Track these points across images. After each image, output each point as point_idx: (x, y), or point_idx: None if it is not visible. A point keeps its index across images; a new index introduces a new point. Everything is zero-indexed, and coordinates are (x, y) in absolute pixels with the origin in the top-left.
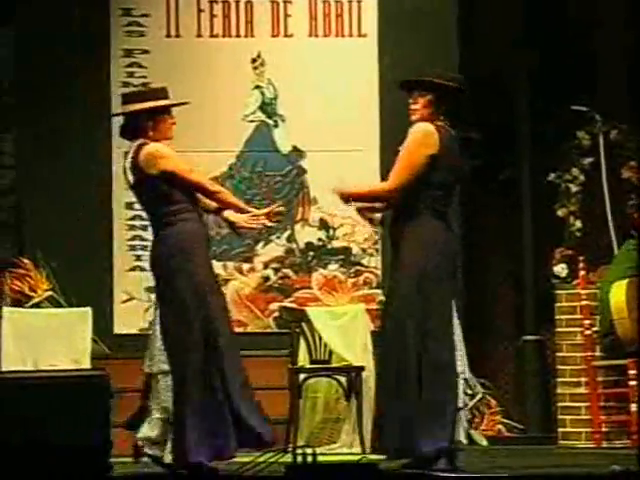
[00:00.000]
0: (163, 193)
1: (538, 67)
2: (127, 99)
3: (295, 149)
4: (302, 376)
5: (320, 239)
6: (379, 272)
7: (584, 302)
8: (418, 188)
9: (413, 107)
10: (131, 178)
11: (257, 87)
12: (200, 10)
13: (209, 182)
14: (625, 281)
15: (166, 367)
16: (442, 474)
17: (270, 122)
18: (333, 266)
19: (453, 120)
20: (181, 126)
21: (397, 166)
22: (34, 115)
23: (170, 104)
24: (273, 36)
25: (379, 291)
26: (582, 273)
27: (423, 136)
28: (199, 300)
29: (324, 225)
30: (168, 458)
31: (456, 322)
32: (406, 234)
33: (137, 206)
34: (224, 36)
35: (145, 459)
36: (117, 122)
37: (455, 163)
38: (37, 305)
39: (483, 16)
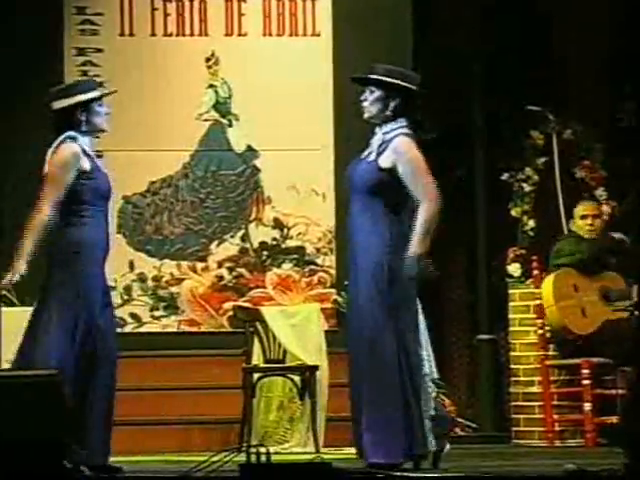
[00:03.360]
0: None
1: (493, 65)
2: (57, 95)
3: (249, 148)
4: (256, 375)
5: (274, 238)
6: (333, 271)
7: (537, 301)
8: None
9: (363, 104)
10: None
11: (211, 86)
12: (154, 9)
13: (42, 201)
14: (554, 273)
15: None
16: (399, 474)
17: (224, 121)
18: (287, 265)
19: (407, 117)
20: (135, 125)
21: (422, 179)
22: None
23: (100, 95)
24: (227, 35)
25: (333, 290)
26: (535, 272)
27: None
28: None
29: (278, 224)
30: None
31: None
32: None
33: None
34: (178, 35)
35: None
36: None
37: None
38: None
39: (438, 15)
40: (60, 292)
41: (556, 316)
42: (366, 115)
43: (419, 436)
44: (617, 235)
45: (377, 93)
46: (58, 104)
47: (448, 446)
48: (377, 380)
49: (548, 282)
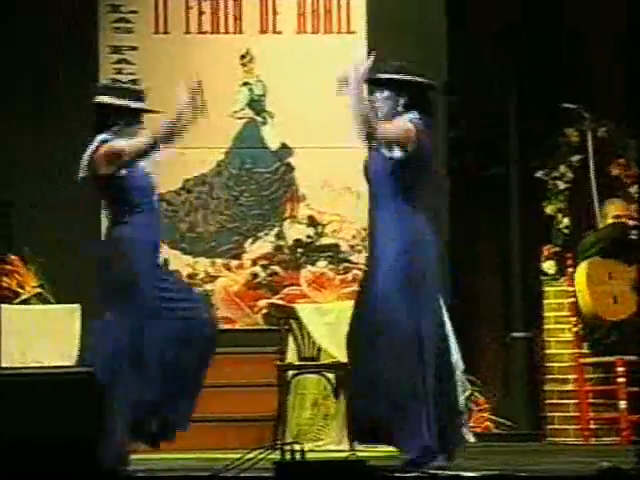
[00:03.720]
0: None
1: (528, 64)
2: (113, 92)
3: (283, 146)
4: (290, 373)
5: (309, 236)
6: None
7: (572, 299)
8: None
9: (375, 104)
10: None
11: (245, 84)
12: (189, 7)
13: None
14: (588, 260)
15: None
16: (431, 472)
17: (258, 119)
18: (321, 263)
19: (424, 114)
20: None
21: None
22: (21, 111)
23: (146, 110)
24: (261, 33)
25: None
26: (570, 270)
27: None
28: None
29: (312, 222)
30: None
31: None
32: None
33: None
34: (212, 33)
35: None
36: None
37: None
38: (25, 302)
39: (473, 12)
40: (116, 292)
41: (588, 302)
42: (379, 114)
43: (450, 430)
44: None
45: (386, 92)
46: (108, 100)
47: (472, 438)
48: (394, 368)
49: (582, 268)
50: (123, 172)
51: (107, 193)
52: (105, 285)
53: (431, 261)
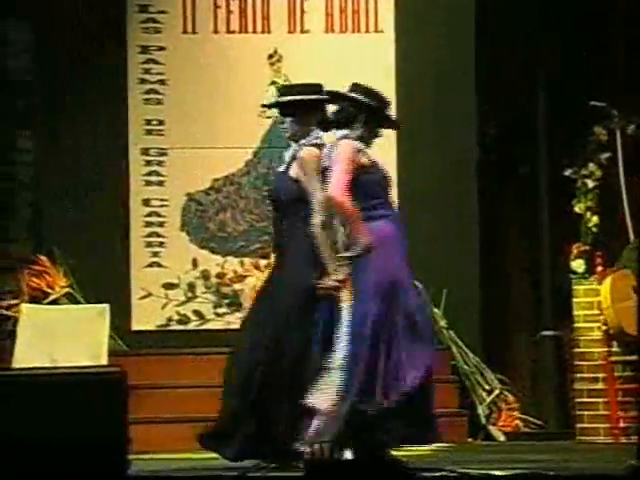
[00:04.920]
0: None
1: (556, 61)
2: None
3: None
4: None
5: None
6: None
7: (601, 298)
8: None
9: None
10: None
11: (273, 83)
12: (217, 6)
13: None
14: (613, 274)
15: None
16: (461, 471)
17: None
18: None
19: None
20: (197, 123)
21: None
22: (52, 112)
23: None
24: (290, 32)
25: None
26: (599, 269)
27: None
28: None
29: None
30: None
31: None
32: None
33: (154, 202)
34: (241, 32)
35: None
36: (134, 118)
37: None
38: (55, 302)
39: (501, 11)
40: None
41: (613, 317)
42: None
43: None
44: None
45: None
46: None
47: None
48: None
49: (606, 283)
50: None
51: None
52: None
53: None
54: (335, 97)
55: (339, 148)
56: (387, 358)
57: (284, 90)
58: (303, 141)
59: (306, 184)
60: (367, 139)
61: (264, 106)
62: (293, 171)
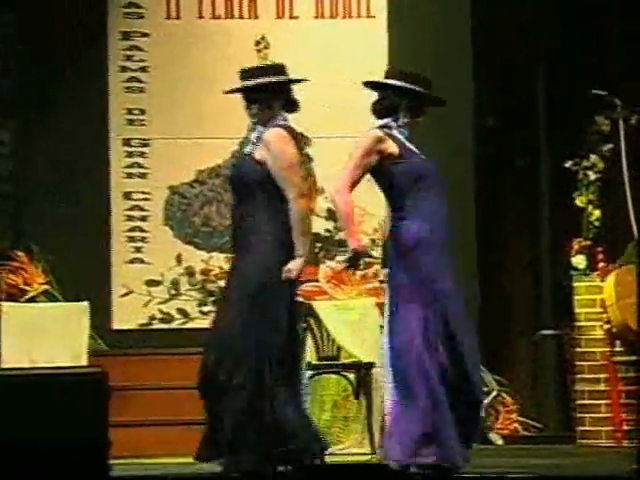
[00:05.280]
0: None
1: (556, 51)
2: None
3: (301, 135)
4: (309, 373)
5: (327, 230)
6: None
7: (603, 295)
8: None
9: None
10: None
11: None
12: None
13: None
14: (616, 271)
15: None
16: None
17: None
18: (341, 257)
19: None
20: (181, 112)
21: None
22: (30, 103)
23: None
24: (278, 18)
25: None
26: (601, 265)
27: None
28: None
29: (331, 215)
30: None
31: None
32: None
33: (136, 195)
34: (226, 17)
35: None
36: (115, 107)
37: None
38: (32, 299)
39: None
40: None
41: (617, 314)
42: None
43: None
44: None
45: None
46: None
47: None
48: None
49: (610, 279)
50: None
51: None
52: None
53: None
54: (377, 86)
55: (359, 139)
56: None
57: (247, 74)
58: (269, 124)
59: (271, 166)
60: (411, 124)
61: (226, 92)
62: (258, 153)
